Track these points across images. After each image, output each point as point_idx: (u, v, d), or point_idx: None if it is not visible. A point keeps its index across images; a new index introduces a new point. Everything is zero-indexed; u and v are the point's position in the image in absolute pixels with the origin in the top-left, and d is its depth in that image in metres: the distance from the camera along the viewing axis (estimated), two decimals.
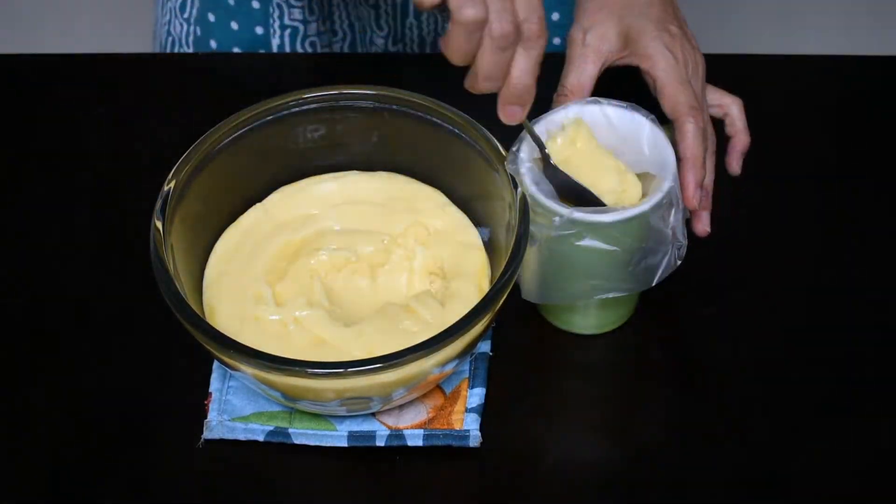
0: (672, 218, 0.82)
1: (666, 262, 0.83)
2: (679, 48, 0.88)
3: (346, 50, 1.16)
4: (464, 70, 0.78)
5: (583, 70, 0.88)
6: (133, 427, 0.86)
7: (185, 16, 1.15)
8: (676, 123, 0.85)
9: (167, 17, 1.16)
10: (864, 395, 0.87)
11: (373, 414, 0.85)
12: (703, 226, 0.87)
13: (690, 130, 0.85)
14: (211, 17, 1.13)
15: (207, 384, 0.87)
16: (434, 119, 0.88)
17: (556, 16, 1.09)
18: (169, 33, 1.17)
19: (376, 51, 1.14)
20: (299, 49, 1.14)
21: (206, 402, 0.86)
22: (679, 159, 0.84)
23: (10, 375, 0.89)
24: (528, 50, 0.78)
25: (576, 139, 0.85)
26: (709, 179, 0.86)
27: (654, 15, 0.89)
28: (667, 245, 0.83)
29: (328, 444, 0.84)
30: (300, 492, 0.84)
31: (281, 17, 1.12)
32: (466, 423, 0.84)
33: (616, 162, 0.84)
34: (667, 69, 0.87)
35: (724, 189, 0.95)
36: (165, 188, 0.84)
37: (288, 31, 1.13)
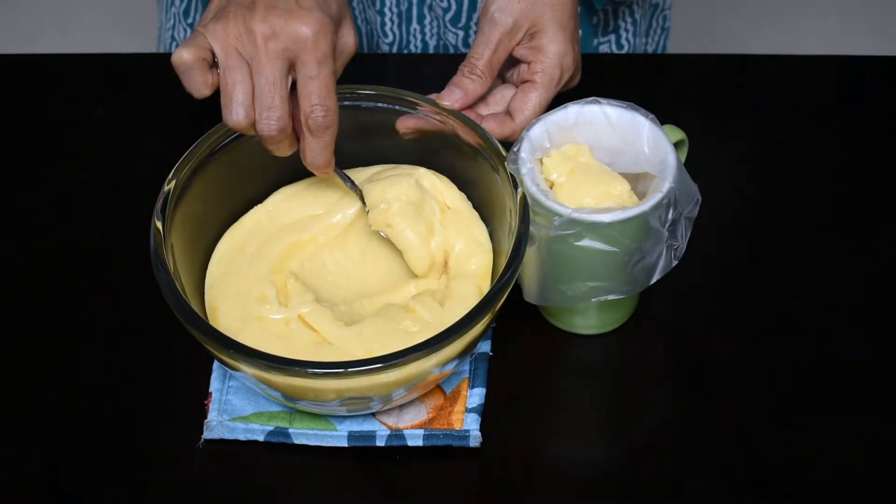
0: (670, 218, 0.82)
1: (663, 262, 0.83)
2: (569, 68, 0.89)
3: None
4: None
5: (500, 56, 0.89)
6: (133, 427, 0.86)
7: (189, 21, 1.15)
8: (531, 85, 0.88)
9: (171, 23, 1.16)
10: (866, 395, 0.87)
11: (373, 414, 0.85)
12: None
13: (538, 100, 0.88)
14: None
15: (207, 384, 0.87)
16: (434, 119, 0.88)
17: None
18: (173, 38, 1.17)
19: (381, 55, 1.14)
20: None
21: (206, 402, 0.86)
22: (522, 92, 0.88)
23: (10, 375, 0.89)
24: (317, 138, 0.81)
25: (576, 155, 0.85)
26: (505, 130, 0.89)
27: (569, 27, 0.89)
28: (662, 245, 0.83)
29: (328, 444, 0.84)
30: (300, 492, 0.84)
31: None
32: (466, 423, 0.84)
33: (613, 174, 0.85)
34: (546, 85, 0.89)
35: (724, 188, 0.96)
36: (165, 188, 0.84)
37: None
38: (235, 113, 0.80)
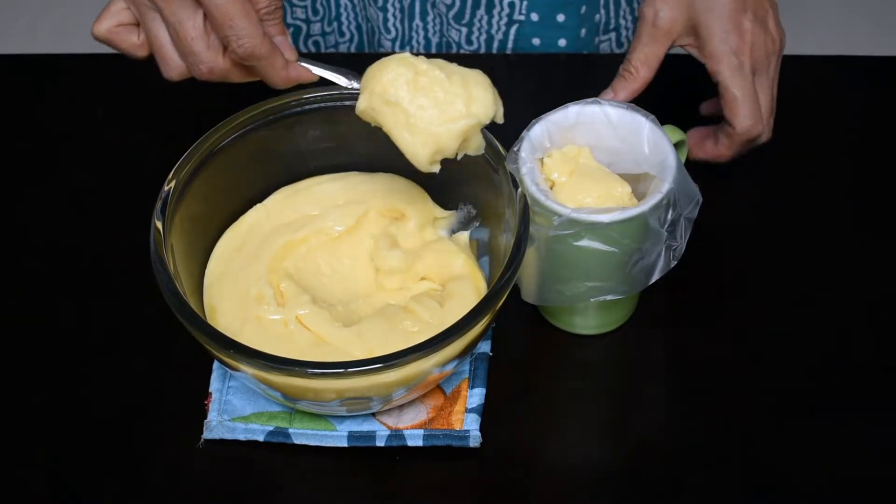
0: (669, 218, 0.82)
1: (662, 262, 0.83)
2: (748, 48, 0.90)
3: (352, 52, 1.16)
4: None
5: (651, 49, 0.91)
6: (133, 427, 0.86)
7: None
8: (731, 121, 0.90)
9: None
10: (867, 395, 0.87)
11: (373, 414, 0.85)
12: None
13: (738, 139, 0.91)
14: None
15: (207, 384, 0.87)
16: None
17: (561, 17, 1.09)
18: None
19: (383, 52, 1.14)
20: (302, 49, 1.14)
21: (206, 402, 0.86)
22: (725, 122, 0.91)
23: (11, 375, 0.89)
24: (255, 64, 0.78)
25: (577, 157, 0.85)
26: (710, 154, 0.92)
27: (726, 7, 0.90)
28: (661, 245, 0.83)
29: (328, 444, 0.84)
30: (300, 492, 0.84)
31: (283, 15, 1.12)
32: (466, 423, 0.84)
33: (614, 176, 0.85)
34: (731, 76, 0.90)
35: (724, 189, 0.95)
36: (165, 188, 0.84)
37: (290, 31, 1.13)
38: (166, 68, 0.78)
